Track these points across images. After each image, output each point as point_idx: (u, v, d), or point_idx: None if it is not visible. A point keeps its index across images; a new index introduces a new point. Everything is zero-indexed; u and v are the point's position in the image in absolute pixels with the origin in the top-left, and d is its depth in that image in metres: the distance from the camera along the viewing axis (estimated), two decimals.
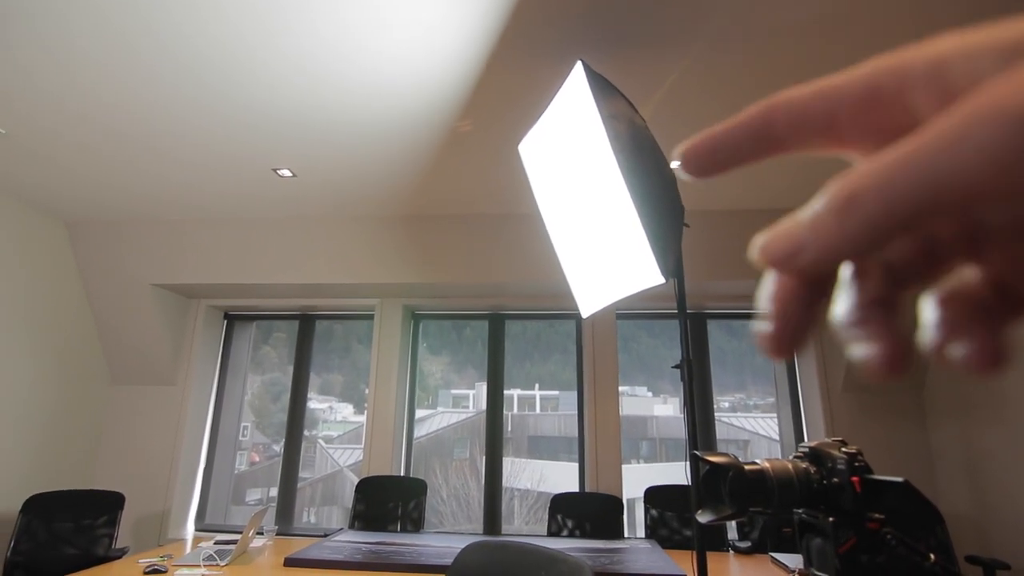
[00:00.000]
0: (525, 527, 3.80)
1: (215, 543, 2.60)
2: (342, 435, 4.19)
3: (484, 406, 3.85)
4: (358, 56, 1.90)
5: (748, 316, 3.87)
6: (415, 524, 3.17)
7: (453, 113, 2.25)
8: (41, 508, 2.93)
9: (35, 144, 2.54)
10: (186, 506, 3.70)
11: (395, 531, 3.10)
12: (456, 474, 3.92)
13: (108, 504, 3.05)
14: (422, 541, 2.64)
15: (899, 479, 0.79)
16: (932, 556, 0.85)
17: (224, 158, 2.65)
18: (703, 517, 0.96)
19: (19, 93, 2.14)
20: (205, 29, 1.78)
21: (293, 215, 3.39)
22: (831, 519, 0.84)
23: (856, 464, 0.85)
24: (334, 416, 4.19)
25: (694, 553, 1.56)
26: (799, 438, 3.58)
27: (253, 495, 3.99)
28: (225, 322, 4.12)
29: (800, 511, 0.91)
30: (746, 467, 0.93)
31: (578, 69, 1.60)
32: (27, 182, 2.94)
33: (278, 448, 3.98)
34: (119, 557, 2.71)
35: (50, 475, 3.39)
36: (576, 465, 3.69)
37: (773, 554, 2.52)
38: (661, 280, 1.50)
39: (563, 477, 3.78)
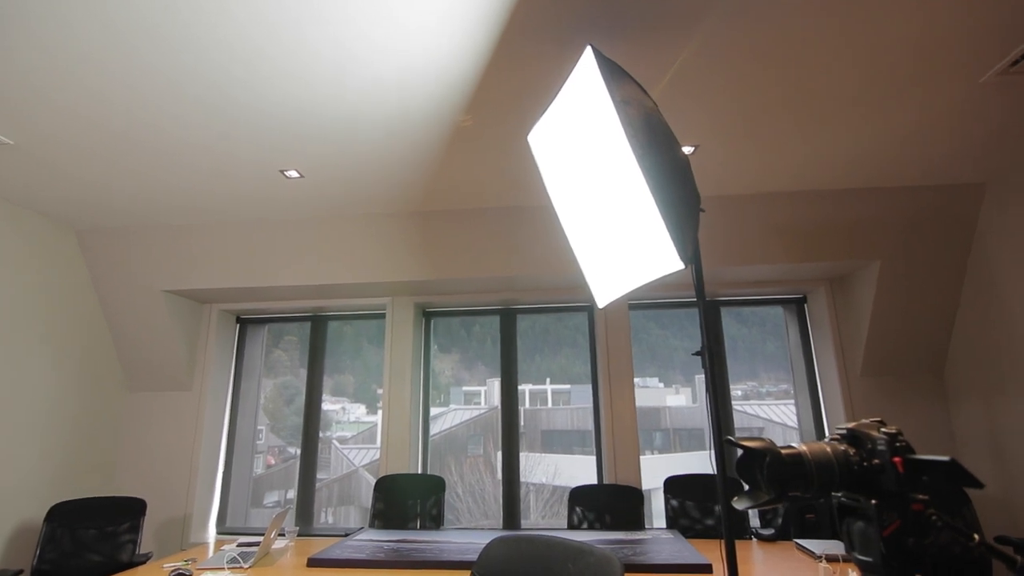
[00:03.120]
0: (542, 521, 3.79)
1: (238, 545, 2.61)
2: (356, 435, 4.20)
3: (496, 402, 3.84)
4: (364, 53, 1.89)
5: (757, 303, 3.83)
6: (435, 521, 3.17)
7: (460, 106, 2.23)
8: (65, 516, 2.96)
9: (43, 153, 2.55)
10: (207, 510, 3.72)
11: (415, 528, 3.10)
12: (471, 470, 3.92)
13: (130, 510, 3.07)
14: (443, 538, 2.63)
15: (946, 458, 0.76)
16: (976, 536, 0.83)
17: (231, 161, 2.65)
18: (740, 504, 0.94)
19: (25, 102, 2.14)
20: (211, 31, 1.77)
21: (302, 216, 3.38)
22: (874, 502, 0.82)
23: (898, 444, 0.83)
24: (347, 417, 4.20)
25: (722, 542, 1.54)
26: (818, 424, 3.55)
27: (271, 497, 4.01)
28: (238, 326, 4.14)
29: (839, 494, 0.89)
30: (783, 451, 0.91)
31: (588, 54, 1.57)
32: (37, 192, 2.95)
33: (293, 451, 3.99)
34: (143, 562, 2.72)
35: (73, 483, 3.42)
36: (590, 458, 3.67)
37: (798, 540, 2.50)
38: (680, 266, 1.48)
39: (578, 470, 3.77)
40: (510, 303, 3.88)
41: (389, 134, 2.43)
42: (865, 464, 0.84)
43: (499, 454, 3.73)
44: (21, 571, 2.68)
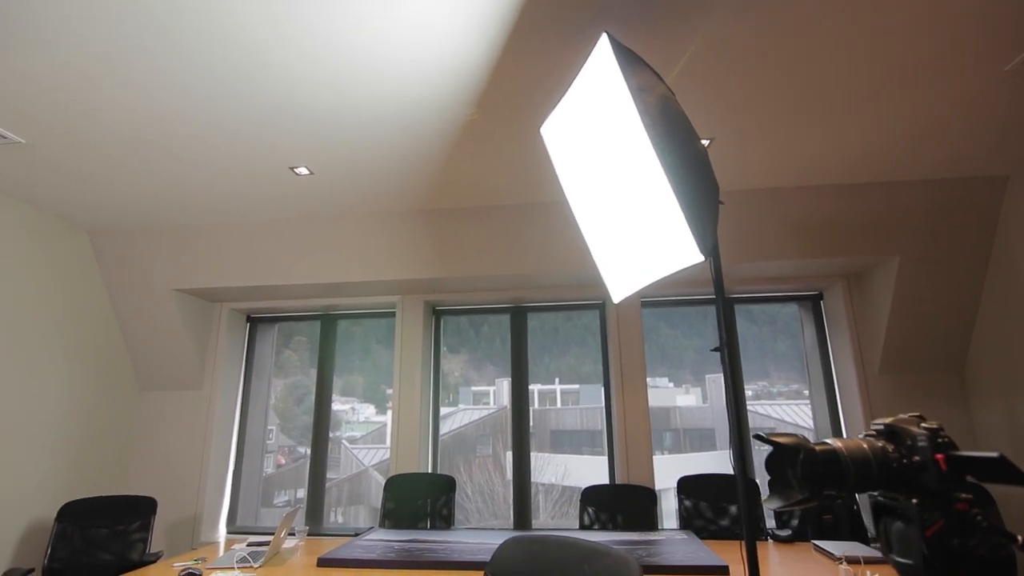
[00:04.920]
0: (551, 521, 3.75)
1: (248, 545, 2.59)
2: (365, 435, 4.18)
3: (505, 402, 3.80)
4: (374, 46, 1.86)
5: (772, 300, 3.77)
6: (445, 521, 3.14)
7: (471, 101, 2.20)
8: (76, 515, 2.95)
9: (55, 153, 2.55)
10: (217, 509, 3.72)
11: (425, 528, 3.07)
12: (480, 470, 3.89)
13: (141, 509, 3.06)
14: (453, 538, 2.60)
15: (994, 454, 0.72)
16: (1020, 538, 0.79)
17: (241, 158, 2.63)
18: (771, 504, 0.90)
19: (37, 102, 2.14)
20: (220, 29, 1.75)
21: (311, 213, 3.37)
22: (914, 501, 0.77)
23: (939, 440, 0.78)
24: (356, 417, 4.18)
25: (742, 543, 1.49)
26: (834, 423, 3.48)
27: (281, 497, 4.00)
28: (248, 325, 4.13)
29: (876, 493, 0.85)
30: (817, 447, 0.87)
31: (603, 42, 1.53)
32: (50, 192, 2.95)
33: (303, 450, 3.98)
34: (153, 561, 2.71)
35: (85, 482, 3.43)
36: (600, 458, 3.63)
37: (816, 542, 2.44)
38: (699, 258, 1.43)
39: (588, 470, 3.73)
40: (520, 301, 3.84)
41: (399, 129, 2.41)
42: (905, 461, 0.80)
43: (508, 454, 3.70)
44: (32, 570, 2.67)
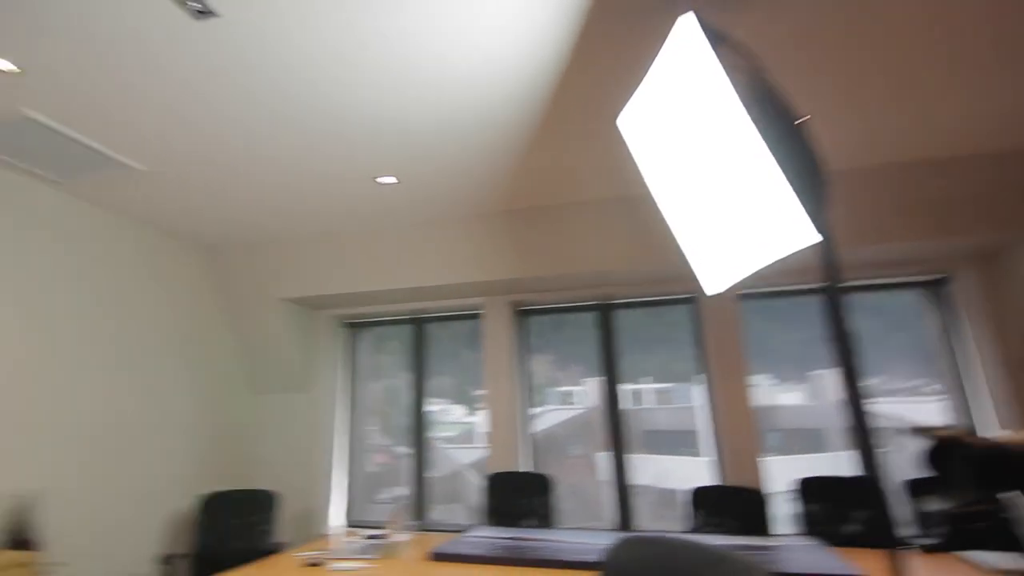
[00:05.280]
0: (653, 524, 3.65)
1: (365, 537, 2.74)
2: (457, 435, 4.29)
3: (592, 402, 3.76)
4: (451, 53, 1.91)
5: (883, 288, 3.45)
6: (543, 520, 3.15)
7: (547, 96, 2.19)
8: (211, 507, 3.27)
9: (171, 177, 2.83)
10: (333, 504, 3.97)
11: (525, 527, 3.10)
12: (571, 471, 3.87)
13: (265, 503, 3.33)
14: (557, 537, 2.60)
15: None
16: None
17: (330, 171, 2.80)
18: (937, 504, 0.82)
19: (152, 129, 2.39)
20: (308, 51, 1.87)
21: (399, 222, 3.52)
22: None
23: None
24: (448, 417, 4.31)
25: (886, 552, 1.37)
26: (967, 420, 3.12)
27: (384, 494, 4.19)
28: (347, 331, 4.38)
29: None
30: (990, 442, 0.78)
31: (688, 21, 1.48)
32: (166, 213, 3.28)
33: (401, 450, 4.15)
34: (280, 551, 2.94)
35: (212, 477, 3.78)
36: (696, 459, 3.49)
37: (965, 552, 2.19)
38: (815, 238, 1.34)
39: (685, 472, 3.59)
40: (607, 298, 3.79)
41: (479, 131, 2.46)
42: None
43: (602, 455, 3.65)
44: (188, 555, 2.98)
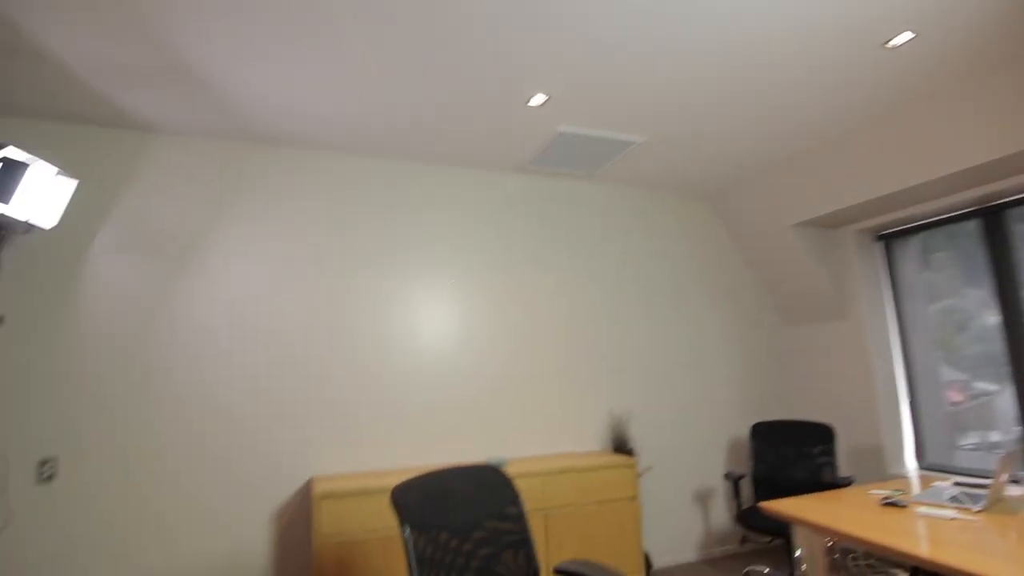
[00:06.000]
0: None
1: (955, 484, 2.22)
2: None
3: None
4: None
5: None
6: None
7: None
8: (763, 435, 3.40)
9: (666, 142, 3.05)
10: (899, 442, 3.44)
11: None
12: None
13: (820, 435, 3.19)
14: None
15: None
16: None
17: (820, 50, 2.34)
18: None
19: (649, 102, 2.61)
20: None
21: (907, 94, 2.64)
22: None
23: None
24: None
25: None
26: None
27: (969, 438, 3.27)
28: (880, 244, 3.68)
29: None
30: None
31: None
32: (668, 173, 3.58)
33: (980, 386, 3.14)
34: (846, 485, 2.75)
35: (757, 407, 3.93)
36: None
37: None
38: None
39: None
40: None
41: None
42: None
43: None
44: (743, 476, 3.24)
